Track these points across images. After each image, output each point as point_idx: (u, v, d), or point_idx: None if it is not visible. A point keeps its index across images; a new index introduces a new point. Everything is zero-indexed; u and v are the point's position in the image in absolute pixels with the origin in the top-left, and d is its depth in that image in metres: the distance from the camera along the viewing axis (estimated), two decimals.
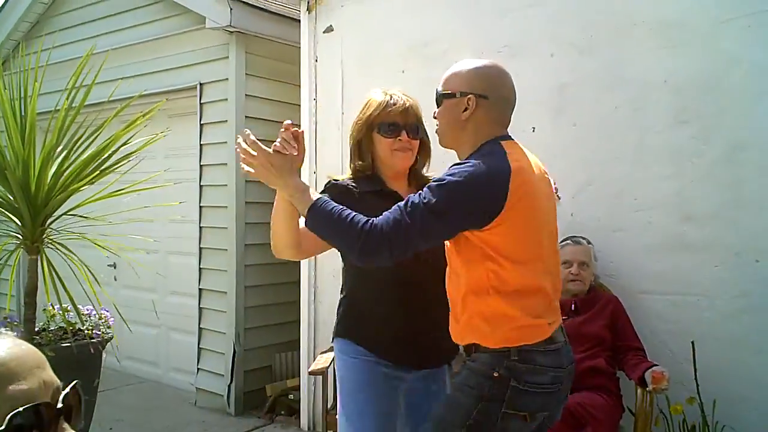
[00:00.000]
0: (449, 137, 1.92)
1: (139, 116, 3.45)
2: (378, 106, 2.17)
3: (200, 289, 4.91)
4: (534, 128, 3.52)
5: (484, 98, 1.85)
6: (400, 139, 2.17)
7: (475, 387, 1.77)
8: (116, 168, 3.51)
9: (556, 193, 1.85)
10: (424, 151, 2.28)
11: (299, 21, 4.31)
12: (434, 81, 3.67)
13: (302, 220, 1.82)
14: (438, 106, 1.93)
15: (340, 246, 1.80)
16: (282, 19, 4.74)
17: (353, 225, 1.70)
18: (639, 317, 3.17)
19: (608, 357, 2.97)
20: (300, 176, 1.89)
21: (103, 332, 3.79)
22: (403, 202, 1.73)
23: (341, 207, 1.75)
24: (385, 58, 3.95)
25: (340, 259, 2.17)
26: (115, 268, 5.45)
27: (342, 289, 2.23)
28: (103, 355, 3.59)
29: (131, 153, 3.49)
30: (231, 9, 4.43)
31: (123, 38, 5.33)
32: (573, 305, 3.10)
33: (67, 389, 0.84)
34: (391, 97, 2.18)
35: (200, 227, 4.86)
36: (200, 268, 4.91)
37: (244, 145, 1.81)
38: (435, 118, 1.95)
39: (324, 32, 4.19)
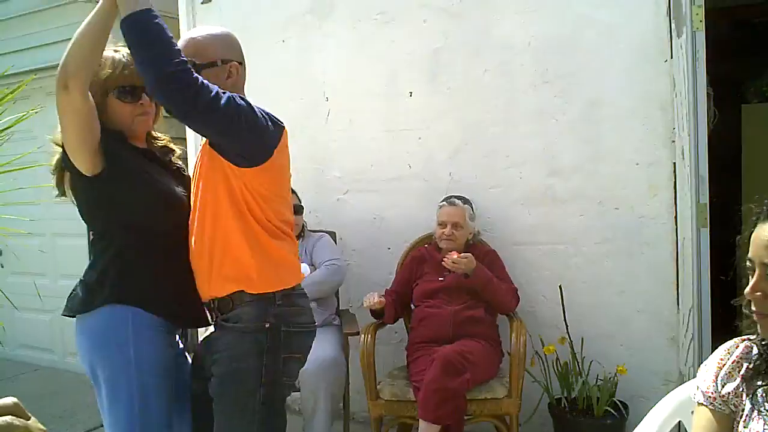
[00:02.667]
0: None
1: (7, 93, 3.27)
2: (112, 65, 1.90)
3: None
4: (411, 93, 3.65)
5: (242, 65, 1.90)
6: (141, 104, 1.97)
7: (253, 345, 1.79)
8: None
9: None
10: (158, 110, 2.08)
11: None
12: (314, 49, 3.83)
13: None
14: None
15: (151, 63, 1.61)
16: None
17: (178, 52, 1.63)
18: (515, 267, 3.38)
19: (486, 306, 3.14)
20: None
21: None
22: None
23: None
24: (265, 28, 3.95)
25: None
26: (1, 254, 5.25)
27: (104, 248, 1.93)
28: None
29: (2, 130, 3.26)
30: None
31: (9, 9, 5.07)
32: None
33: None
34: (124, 55, 1.91)
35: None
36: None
37: None
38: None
39: (202, 3, 4.15)
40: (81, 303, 1.91)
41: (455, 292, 3.15)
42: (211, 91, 1.65)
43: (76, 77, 1.71)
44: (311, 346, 1.94)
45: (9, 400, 0.81)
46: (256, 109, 1.77)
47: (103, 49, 1.78)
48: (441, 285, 3.20)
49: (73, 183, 1.87)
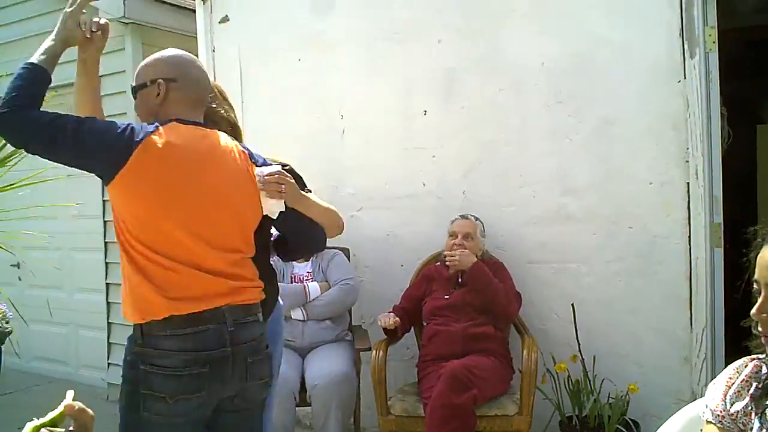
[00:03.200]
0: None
1: None
2: None
3: (107, 284, 4.87)
4: (425, 111, 3.68)
5: (173, 81, 1.89)
6: None
7: (126, 370, 1.82)
8: (7, 162, 3.40)
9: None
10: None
11: (194, 11, 4.30)
12: (330, 67, 3.88)
13: None
14: (133, 96, 1.96)
15: None
16: (178, 9, 4.71)
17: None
18: (527, 285, 3.39)
19: (496, 322, 3.16)
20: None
21: (0, 327, 3.70)
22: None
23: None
24: (281, 47, 4.00)
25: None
26: (18, 267, 5.28)
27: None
28: (1, 352, 3.54)
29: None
30: (124, 1, 4.39)
31: (10, 33, 5.17)
32: (459, 278, 3.28)
33: None
34: None
35: (104, 221, 4.79)
36: (106, 263, 4.86)
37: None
38: (139, 117, 1.96)
39: (220, 22, 4.21)
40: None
41: (462, 308, 3.18)
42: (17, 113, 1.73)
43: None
44: (192, 389, 1.77)
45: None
46: (101, 126, 1.78)
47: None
48: (447, 302, 3.22)
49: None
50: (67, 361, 5.40)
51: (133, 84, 1.92)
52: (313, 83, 3.95)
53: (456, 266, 3.21)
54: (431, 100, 3.66)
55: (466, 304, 3.17)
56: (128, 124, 1.78)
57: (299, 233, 2.14)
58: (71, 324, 5.31)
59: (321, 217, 2.13)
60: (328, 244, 3.56)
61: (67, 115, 1.78)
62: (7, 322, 3.63)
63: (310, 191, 2.21)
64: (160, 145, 1.77)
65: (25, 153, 3.28)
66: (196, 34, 4.26)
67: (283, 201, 1.98)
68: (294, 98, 3.97)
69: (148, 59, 1.95)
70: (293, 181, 2.02)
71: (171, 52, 1.96)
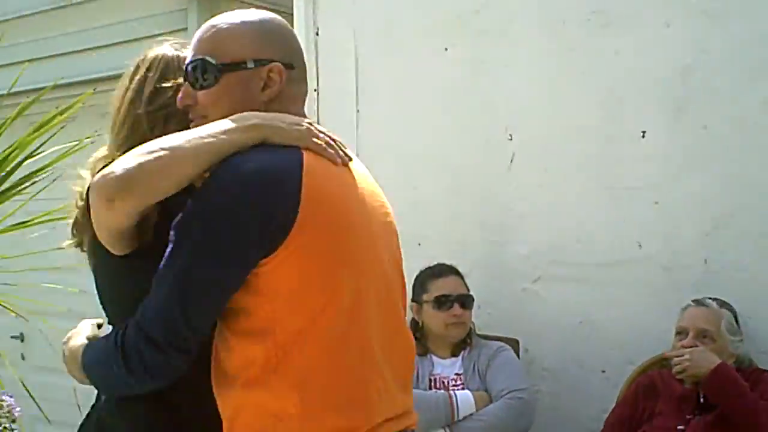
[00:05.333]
0: None
1: (54, 114, 3.21)
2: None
3: None
4: (644, 133, 3.28)
5: (291, 68, 1.67)
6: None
7: None
8: (22, 190, 3.30)
9: None
10: None
11: None
12: (492, 63, 3.47)
13: None
14: (202, 85, 1.65)
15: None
16: None
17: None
18: None
19: None
20: None
21: (5, 428, 3.44)
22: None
23: None
24: (418, 30, 3.73)
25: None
26: (22, 341, 5.24)
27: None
28: None
29: (44, 168, 3.25)
30: None
31: (28, 3, 5.13)
32: (701, 397, 2.91)
33: None
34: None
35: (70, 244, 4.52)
36: None
37: None
38: (189, 105, 1.68)
39: None
40: None
41: None
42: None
43: (132, 199, 1.56)
44: None
45: None
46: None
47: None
48: None
49: (94, 248, 1.76)
50: None
51: (211, 60, 1.63)
52: (465, 86, 3.67)
53: (687, 372, 2.87)
54: (653, 115, 3.26)
55: None
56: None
57: None
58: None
59: None
60: (487, 331, 3.54)
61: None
62: (13, 421, 3.43)
63: None
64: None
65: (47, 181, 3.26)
66: (291, 9, 4.02)
67: None
68: (435, 106, 3.72)
69: (241, 22, 1.68)
70: None
71: (273, 17, 1.74)
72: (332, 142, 1.64)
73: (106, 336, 1.60)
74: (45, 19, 5.07)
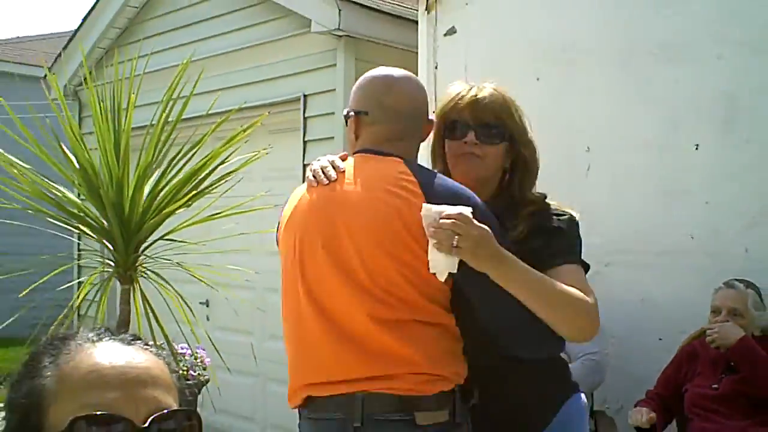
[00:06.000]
0: None
1: (239, 131, 3.61)
2: (448, 100, 2.04)
3: None
4: (697, 146, 3.52)
5: (364, 114, 1.93)
6: (465, 141, 1.97)
7: None
8: (213, 189, 3.68)
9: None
10: (519, 167, 2.05)
11: (416, 22, 4.42)
12: (574, 89, 3.85)
13: None
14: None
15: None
16: (397, 20, 4.88)
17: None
18: None
19: None
20: None
21: (199, 374, 3.92)
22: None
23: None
24: (516, 63, 4.00)
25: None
26: (207, 306, 5.58)
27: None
28: (199, 399, 3.73)
29: (230, 172, 3.66)
30: (340, 10, 4.61)
31: (219, 45, 5.64)
32: (730, 361, 3.10)
33: (164, 411, 0.89)
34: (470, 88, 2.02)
35: None
36: None
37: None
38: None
39: (445, 35, 4.28)
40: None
41: (736, 402, 3.03)
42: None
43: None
44: None
45: None
46: None
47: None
48: (715, 393, 3.08)
49: None
50: (253, 417, 5.61)
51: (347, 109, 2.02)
52: (552, 108, 3.88)
53: (717, 343, 3.07)
54: (705, 131, 3.50)
55: (740, 395, 3.01)
56: None
57: (492, 316, 1.83)
58: (260, 375, 5.47)
59: (542, 302, 1.77)
60: None
61: None
62: (204, 369, 3.84)
63: (572, 263, 1.91)
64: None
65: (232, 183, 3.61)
66: (416, 48, 4.37)
67: (456, 258, 1.68)
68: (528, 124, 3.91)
69: (360, 80, 2.02)
70: (486, 229, 1.70)
71: (370, 75, 1.98)
72: (318, 170, 1.89)
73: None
74: (231, 58, 5.52)
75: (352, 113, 1.93)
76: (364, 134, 1.93)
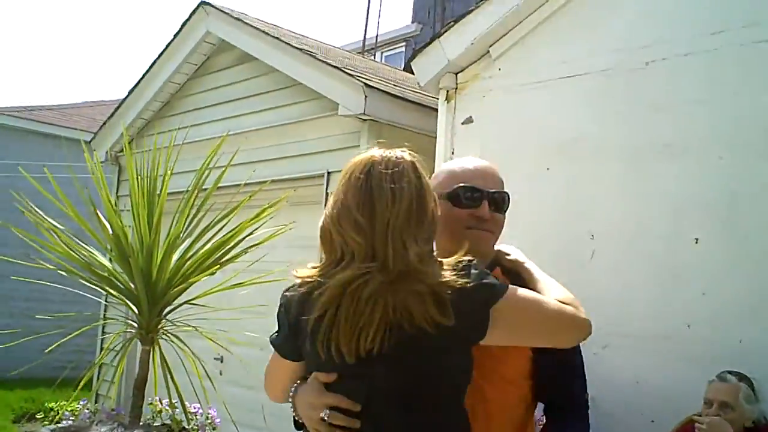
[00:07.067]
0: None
1: (267, 207, 3.76)
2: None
3: None
4: (697, 240, 3.56)
5: (439, 197, 1.97)
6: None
7: None
8: (238, 259, 3.80)
9: None
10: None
11: (436, 110, 4.57)
12: (583, 180, 3.94)
13: None
14: (503, 210, 2.09)
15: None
16: (418, 107, 5.07)
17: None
18: None
19: None
20: None
21: None
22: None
23: None
24: (528, 153, 4.11)
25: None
26: (222, 362, 5.69)
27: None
28: None
29: (256, 244, 3.78)
30: (366, 97, 4.81)
31: (252, 122, 5.87)
32: None
33: None
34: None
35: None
36: None
37: None
38: (487, 220, 2.05)
39: (463, 123, 4.42)
40: None
41: None
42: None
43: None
44: None
45: None
46: None
47: None
48: None
49: None
50: None
51: (506, 193, 2.11)
52: (561, 197, 4.00)
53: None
54: (706, 226, 3.54)
55: None
56: None
57: None
58: (264, 431, 5.55)
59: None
60: None
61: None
62: (214, 429, 3.93)
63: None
64: None
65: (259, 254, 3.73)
66: (434, 133, 4.51)
67: None
68: (536, 211, 4.01)
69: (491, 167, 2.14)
70: None
71: (450, 165, 2.19)
72: None
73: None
74: (263, 134, 5.74)
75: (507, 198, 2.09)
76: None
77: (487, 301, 1.73)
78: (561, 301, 1.88)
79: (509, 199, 2.05)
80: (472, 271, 1.73)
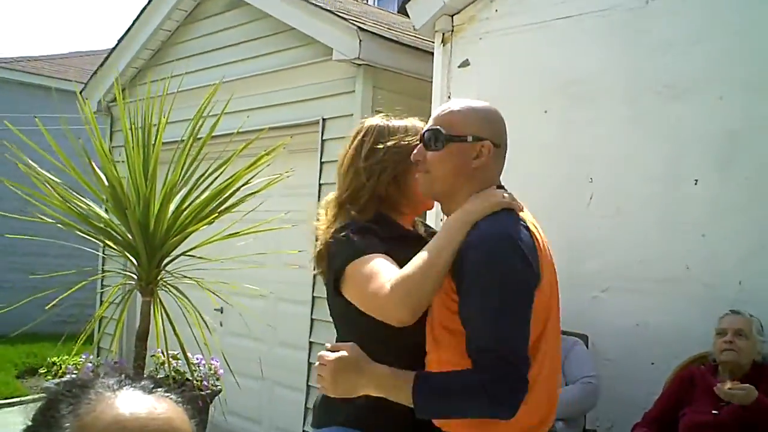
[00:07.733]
0: (446, 187, 1.90)
1: (263, 155, 3.69)
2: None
3: (311, 342, 5.07)
4: (696, 181, 3.53)
5: (498, 147, 1.88)
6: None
7: None
8: (235, 208, 3.76)
9: None
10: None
11: (432, 54, 4.49)
12: (581, 123, 3.87)
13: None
14: (433, 147, 1.86)
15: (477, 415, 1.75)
16: (414, 51, 4.97)
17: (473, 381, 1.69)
18: None
19: None
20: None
21: (212, 384, 3.99)
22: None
23: (447, 373, 1.76)
24: (525, 96, 4.05)
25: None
26: (222, 313, 5.61)
27: None
28: (211, 410, 3.78)
29: (253, 193, 3.74)
30: (360, 41, 4.69)
31: (245, 69, 5.76)
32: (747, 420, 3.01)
33: None
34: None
35: (314, 274, 5.01)
36: (312, 319, 5.07)
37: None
38: (419, 161, 1.90)
39: (459, 67, 4.35)
40: (316, 418, 2.09)
41: (733, 430, 2.96)
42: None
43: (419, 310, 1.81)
44: None
45: None
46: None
47: None
48: (714, 420, 3.02)
49: (329, 288, 2.05)
50: (259, 420, 5.69)
51: (443, 131, 1.85)
52: (558, 139, 3.96)
53: (734, 400, 2.97)
54: (705, 167, 3.52)
55: (739, 422, 2.94)
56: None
57: None
58: (268, 380, 5.58)
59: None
60: (566, 329, 3.57)
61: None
62: (217, 379, 3.87)
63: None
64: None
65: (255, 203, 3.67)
66: (431, 78, 4.44)
67: None
68: (534, 154, 3.96)
69: (468, 107, 1.91)
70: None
71: (491, 107, 1.94)
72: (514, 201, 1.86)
73: (456, 373, 1.71)
74: (257, 81, 5.61)
75: (488, 142, 1.86)
76: (493, 166, 1.89)
77: (346, 258, 1.90)
78: (393, 285, 1.77)
79: (442, 135, 1.83)
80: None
